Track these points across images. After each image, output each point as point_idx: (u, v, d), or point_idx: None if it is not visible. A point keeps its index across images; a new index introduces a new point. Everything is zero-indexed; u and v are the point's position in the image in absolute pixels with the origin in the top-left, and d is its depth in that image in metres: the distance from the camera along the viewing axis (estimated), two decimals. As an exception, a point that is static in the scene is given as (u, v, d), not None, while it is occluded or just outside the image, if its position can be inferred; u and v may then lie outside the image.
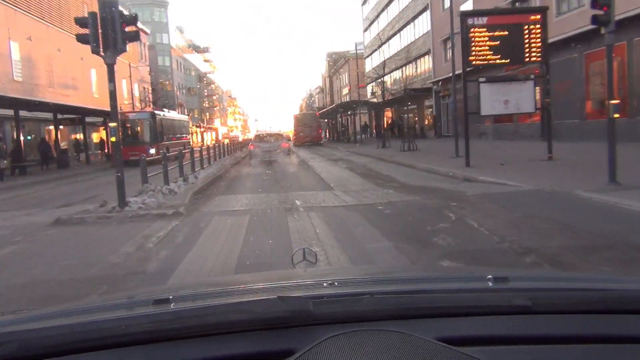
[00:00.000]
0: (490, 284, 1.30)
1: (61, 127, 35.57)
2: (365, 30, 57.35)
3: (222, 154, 24.45)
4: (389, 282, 1.54)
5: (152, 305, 1.23)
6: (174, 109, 68.64)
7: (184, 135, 33.22)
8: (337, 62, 79.49)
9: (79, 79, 34.94)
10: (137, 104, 47.38)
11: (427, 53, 35.53)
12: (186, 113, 76.66)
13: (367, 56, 56.84)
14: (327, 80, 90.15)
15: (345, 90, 70.68)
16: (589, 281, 1.52)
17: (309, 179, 14.78)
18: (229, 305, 1.18)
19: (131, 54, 46.44)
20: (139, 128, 25.62)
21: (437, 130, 34.19)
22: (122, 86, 43.91)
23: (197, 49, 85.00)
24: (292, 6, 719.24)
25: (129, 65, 42.04)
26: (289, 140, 33.32)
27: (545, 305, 1.14)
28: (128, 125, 25.61)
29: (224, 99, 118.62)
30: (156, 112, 27.56)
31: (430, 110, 38.35)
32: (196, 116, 79.70)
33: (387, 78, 47.30)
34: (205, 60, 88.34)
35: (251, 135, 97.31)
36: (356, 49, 52.17)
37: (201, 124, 77.37)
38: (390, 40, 44.11)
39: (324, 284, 1.40)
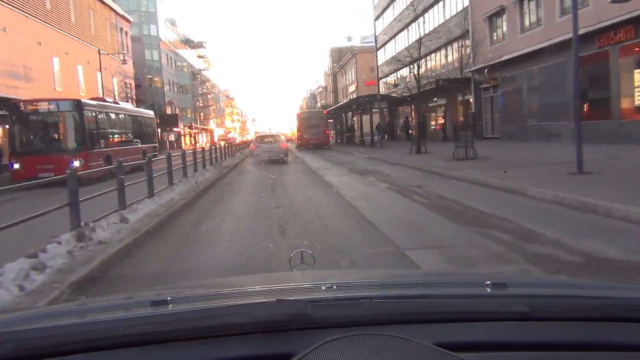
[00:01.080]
0: (489, 290, 1.28)
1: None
2: (377, 18, 50.55)
3: (204, 162, 17.51)
4: (387, 287, 1.52)
5: (150, 306, 1.21)
6: (163, 108, 61.82)
7: (146, 138, 23.99)
8: (341, 58, 72.69)
9: (35, 68, 28.11)
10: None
11: (461, 37, 28.74)
12: (177, 112, 69.88)
13: (380, 47, 50.08)
14: (330, 78, 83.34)
15: (352, 88, 63.97)
16: (588, 288, 1.49)
17: (343, 220, 7.92)
18: (228, 307, 1.15)
19: (105, 41, 39.67)
20: (56, 126, 16.41)
21: (477, 131, 27.38)
22: (97, 79, 37.18)
23: (190, 44, 78.23)
24: (281, 4, 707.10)
25: (98, 52, 35.14)
26: (288, 141, 32.86)
27: (544, 312, 1.13)
28: (38, 121, 16.39)
29: (220, 98, 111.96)
30: (86, 101, 18.25)
31: (455, 106, 31.68)
32: (189, 116, 72.98)
33: (404, 71, 40.66)
34: (199, 56, 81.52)
35: (249, 136, 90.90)
36: (376, 41, 45.11)
37: (193, 125, 70.40)
38: (413, 24, 37.43)
39: (323, 287, 1.38)
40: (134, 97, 47.40)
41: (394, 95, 35.74)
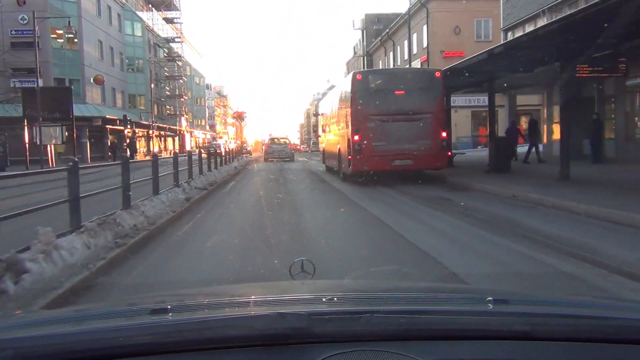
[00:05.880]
0: (491, 306, 1.26)
1: None
2: None
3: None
4: (388, 301, 1.49)
5: (149, 314, 1.20)
6: (81, 85, 34.60)
7: None
8: (380, 33, 45.48)
9: None
10: None
11: None
12: (120, 100, 42.75)
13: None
14: (362, 62, 56.11)
15: (414, 65, 36.87)
16: (592, 307, 1.46)
17: None
18: (228, 319, 1.15)
19: None
20: None
21: None
22: None
23: (153, 1, 51.26)
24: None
25: None
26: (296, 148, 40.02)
27: (545, 331, 1.11)
28: None
29: (207, 94, 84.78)
30: None
31: None
32: (142, 108, 45.80)
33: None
34: (167, 20, 54.26)
35: (246, 144, 65.38)
36: None
37: (143, 121, 42.68)
38: None
39: (323, 299, 1.37)
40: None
41: None
